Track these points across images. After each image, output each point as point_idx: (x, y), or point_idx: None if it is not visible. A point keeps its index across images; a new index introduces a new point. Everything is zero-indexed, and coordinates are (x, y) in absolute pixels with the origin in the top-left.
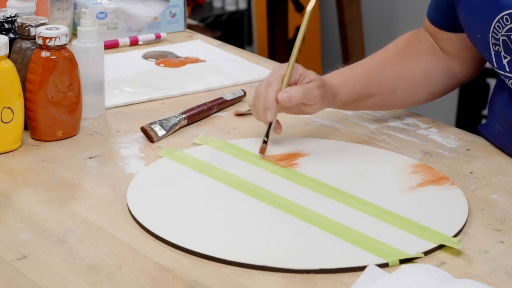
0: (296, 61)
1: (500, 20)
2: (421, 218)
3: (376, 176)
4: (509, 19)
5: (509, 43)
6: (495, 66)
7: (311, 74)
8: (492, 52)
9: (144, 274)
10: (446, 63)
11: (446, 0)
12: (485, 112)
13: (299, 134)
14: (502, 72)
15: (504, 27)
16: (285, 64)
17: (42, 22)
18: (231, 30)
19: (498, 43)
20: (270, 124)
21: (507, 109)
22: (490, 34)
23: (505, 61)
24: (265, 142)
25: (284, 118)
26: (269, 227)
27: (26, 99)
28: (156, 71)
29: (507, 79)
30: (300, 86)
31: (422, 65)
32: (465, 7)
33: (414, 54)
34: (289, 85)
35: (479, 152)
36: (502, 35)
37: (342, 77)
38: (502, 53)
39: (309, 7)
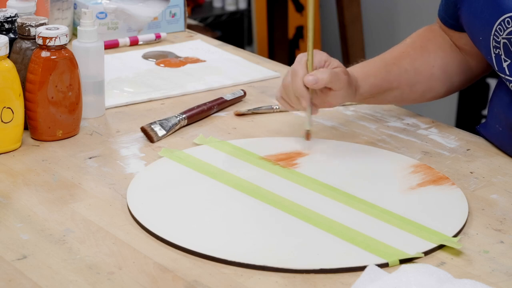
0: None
1: (502, 23)
2: (421, 218)
3: (376, 176)
4: (510, 22)
5: (509, 46)
6: (496, 68)
7: (336, 62)
8: (493, 55)
9: (144, 274)
10: (462, 58)
11: (452, 1)
12: (485, 112)
13: (299, 134)
14: (503, 75)
15: (505, 30)
16: (308, 52)
17: (42, 22)
18: (231, 30)
19: (499, 46)
20: (308, 110)
21: (507, 111)
22: (491, 37)
23: (505, 64)
24: (308, 129)
25: (284, 118)
26: (269, 227)
27: (26, 99)
28: (156, 71)
29: (507, 82)
30: (326, 69)
31: (440, 60)
32: (467, 9)
33: (432, 48)
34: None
35: (479, 152)
36: (503, 38)
37: (363, 70)
38: (503, 56)
39: None
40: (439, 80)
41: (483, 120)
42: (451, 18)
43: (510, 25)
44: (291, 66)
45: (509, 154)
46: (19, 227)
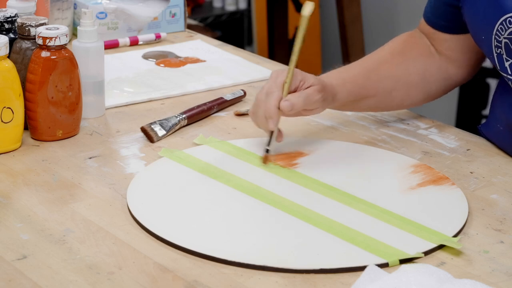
0: (296, 65)
1: (503, 22)
2: (421, 218)
3: (376, 176)
4: (511, 22)
5: (510, 45)
6: (498, 68)
7: (311, 78)
8: (495, 55)
9: (144, 274)
10: (441, 65)
11: (444, 0)
12: (485, 112)
13: (299, 134)
14: (505, 75)
15: (507, 30)
16: (284, 70)
17: (42, 22)
18: (231, 30)
19: (500, 45)
20: (272, 132)
21: (509, 111)
22: (493, 37)
23: (507, 64)
24: (267, 151)
25: (284, 118)
26: (269, 227)
27: (26, 99)
28: (156, 71)
29: (509, 82)
30: (301, 93)
31: (418, 67)
32: (470, 8)
33: (410, 55)
34: (289, 91)
35: (479, 152)
36: (504, 38)
37: (341, 77)
38: (504, 56)
39: (305, 12)
40: (418, 88)
41: (483, 120)
42: (440, 18)
43: None
44: (266, 84)
45: (510, 154)
46: (19, 227)
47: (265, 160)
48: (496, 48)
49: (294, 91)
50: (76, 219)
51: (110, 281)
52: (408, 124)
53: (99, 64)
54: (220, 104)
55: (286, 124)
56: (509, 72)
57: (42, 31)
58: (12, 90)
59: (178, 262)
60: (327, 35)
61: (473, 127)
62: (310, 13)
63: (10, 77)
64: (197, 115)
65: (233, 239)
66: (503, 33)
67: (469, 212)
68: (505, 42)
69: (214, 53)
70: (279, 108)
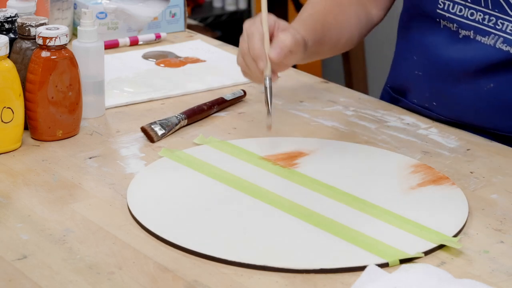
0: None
1: None
2: (421, 218)
3: (376, 176)
4: None
5: None
6: (441, 7)
7: (283, 22)
8: None
9: (144, 274)
10: (366, 9)
11: None
12: None
13: (299, 134)
14: (463, 2)
15: None
16: (255, 18)
17: (42, 22)
18: (231, 30)
19: None
20: (266, 88)
21: (443, 53)
22: None
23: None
24: (268, 113)
25: (284, 118)
26: (269, 227)
27: (26, 99)
28: (156, 71)
29: (466, 9)
30: (285, 33)
31: (354, 12)
32: None
33: (346, 2)
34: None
35: (479, 152)
36: None
37: (304, 27)
38: None
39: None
40: (357, 32)
41: None
42: None
43: None
44: (245, 30)
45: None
46: (19, 227)
47: (269, 126)
48: None
49: (271, 34)
50: (76, 219)
51: (110, 281)
52: (408, 124)
53: (99, 64)
54: (220, 104)
55: (286, 124)
56: (469, 0)
57: (42, 31)
58: (12, 90)
59: (178, 262)
60: None
61: None
62: None
63: (10, 77)
64: (197, 115)
65: (233, 239)
66: None
67: (469, 212)
68: None
69: (214, 53)
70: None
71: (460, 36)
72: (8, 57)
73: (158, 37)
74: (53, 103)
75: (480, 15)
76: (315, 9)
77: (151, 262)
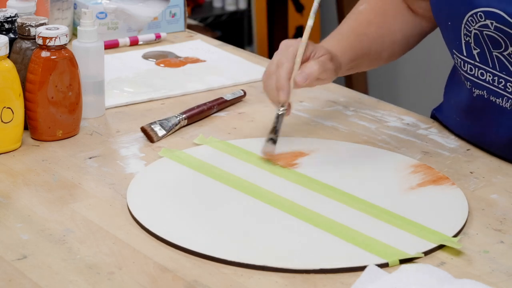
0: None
1: (474, 15)
2: (421, 218)
3: (376, 176)
4: (483, 16)
5: (480, 37)
6: (464, 54)
7: (321, 49)
8: (463, 42)
9: (144, 274)
10: (416, 20)
11: None
12: None
13: (299, 134)
14: (472, 61)
15: (477, 23)
16: (295, 41)
17: (42, 22)
18: (231, 30)
19: (469, 34)
20: (279, 116)
21: (460, 99)
22: (463, 26)
23: (475, 52)
24: (272, 141)
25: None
26: (269, 227)
27: (26, 99)
28: (156, 71)
29: (476, 69)
30: (314, 62)
31: (399, 24)
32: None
33: (391, 14)
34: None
35: (479, 152)
36: (474, 29)
37: (340, 46)
38: (472, 45)
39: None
40: (400, 45)
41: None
42: None
43: (483, 19)
44: (276, 56)
45: (466, 139)
46: (19, 227)
47: (270, 152)
48: (465, 36)
49: (306, 60)
50: (76, 219)
51: (110, 281)
52: (408, 124)
53: (99, 64)
54: (220, 104)
55: (286, 124)
56: (477, 60)
57: (42, 31)
58: (12, 90)
59: (178, 262)
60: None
61: None
62: None
63: (10, 77)
64: (197, 115)
65: (233, 239)
66: (473, 25)
67: (469, 212)
68: (475, 33)
69: (214, 53)
70: (291, 81)
71: (474, 95)
72: (8, 57)
73: (158, 37)
74: (53, 103)
75: (489, 76)
76: (357, 21)
77: (151, 262)
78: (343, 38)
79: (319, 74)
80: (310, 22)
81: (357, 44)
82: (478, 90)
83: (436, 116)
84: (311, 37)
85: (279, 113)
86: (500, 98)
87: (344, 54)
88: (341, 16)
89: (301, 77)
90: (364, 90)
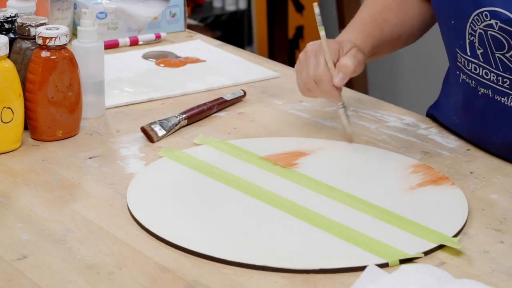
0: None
1: (479, 14)
2: (421, 218)
3: (376, 176)
4: (488, 16)
5: (484, 37)
6: (468, 54)
7: (347, 43)
8: (467, 41)
9: (144, 274)
10: (429, 6)
11: None
12: None
13: (299, 134)
14: (476, 61)
15: (483, 22)
16: (317, 48)
17: (42, 22)
18: (231, 30)
19: (474, 34)
20: (341, 116)
21: (460, 99)
22: (468, 25)
23: (479, 52)
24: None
25: (284, 118)
26: (269, 227)
27: (26, 99)
28: (156, 71)
29: (480, 68)
30: (347, 59)
31: (416, 8)
32: None
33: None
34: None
35: (479, 152)
36: (479, 28)
37: (362, 35)
38: (476, 44)
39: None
40: (418, 28)
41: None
42: None
43: (488, 19)
44: (311, 71)
45: (464, 137)
46: (19, 227)
47: (351, 138)
48: (469, 36)
49: (336, 60)
50: (76, 219)
51: (110, 281)
52: (408, 124)
53: (99, 64)
54: (220, 104)
55: (286, 124)
56: (481, 60)
57: (42, 31)
58: (12, 90)
59: (178, 262)
60: (327, 35)
61: None
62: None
63: (10, 77)
64: (197, 115)
65: (233, 239)
66: (478, 24)
67: (469, 212)
68: (479, 33)
69: (214, 53)
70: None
71: (480, 93)
72: (8, 57)
73: (158, 37)
74: (53, 103)
75: (494, 76)
76: (375, 7)
77: (151, 262)
78: (363, 26)
79: (354, 68)
80: (322, 33)
81: (377, 31)
82: (483, 89)
83: (433, 114)
84: (309, 36)
85: (341, 113)
86: (506, 97)
87: (366, 43)
88: (341, 16)
89: (339, 79)
90: (364, 90)
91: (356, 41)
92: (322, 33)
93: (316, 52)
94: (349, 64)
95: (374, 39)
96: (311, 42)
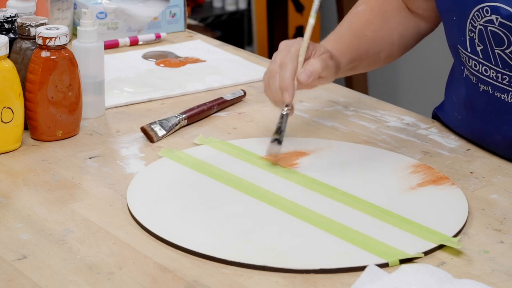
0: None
1: (480, 10)
2: (421, 218)
3: (376, 176)
4: (489, 11)
5: (484, 33)
6: (468, 50)
7: (321, 47)
8: (467, 38)
9: (144, 274)
10: (414, 21)
11: None
12: None
13: (299, 134)
14: (476, 58)
15: (483, 18)
16: (295, 41)
17: (42, 22)
18: (231, 30)
19: (474, 30)
20: (283, 117)
21: (463, 96)
22: (469, 21)
23: (478, 49)
24: (278, 141)
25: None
26: (269, 227)
27: (26, 99)
28: (156, 71)
29: (480, 65)
30: (316, 60)
31: (397, 26)
32: None
33: (390, 15)
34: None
35: (479, 152)
36: (479, 24)
37: (339, 46)
38: (476, 41)
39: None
40: (398, 46)
41: None
42: None
43: (489, 14)
44: (278, 55)
45: (467, 138)
46: (19, 227)
47: (275, 155)
48: (469, 32)
49: (307, 59)
50: (76, 219)
51: (110, 281)
52: (408, 124)
53: (99, 64)
54: (220, 104)
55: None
56: (481, 56)
57: (42, 31)
58: (12, 90)
59: (178, 262)
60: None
61: None
62: None
63: (10, 77)
64: (197, 115)
65: (233, 239)
66: (479, 20)
67: (469, 212)
68: (479, 29)
69: (214, 53)
70: (295, 81)
71: (480, 90)
72: (8, 57)
73: (158, 37)
74: (53, 103)
75: (493, 73)
76: (355, 23)
77: (151, 262)
78: (342, 39)
79: (321, 71)
80: (311, 21)
81: (355, 45)
82: (483, 86)
83: (438, 115)
84: (312, 37)
85: (284, 113)
86: (506, 94)
87: (343, 55)
88: (341, 16)
89: (305, 75)
90: (364, 90)
91: (335, 51)
92: (311, 20)
93: (292, 45)
94: (317, 65)
95: (352, 52)
96: (284, 41)
